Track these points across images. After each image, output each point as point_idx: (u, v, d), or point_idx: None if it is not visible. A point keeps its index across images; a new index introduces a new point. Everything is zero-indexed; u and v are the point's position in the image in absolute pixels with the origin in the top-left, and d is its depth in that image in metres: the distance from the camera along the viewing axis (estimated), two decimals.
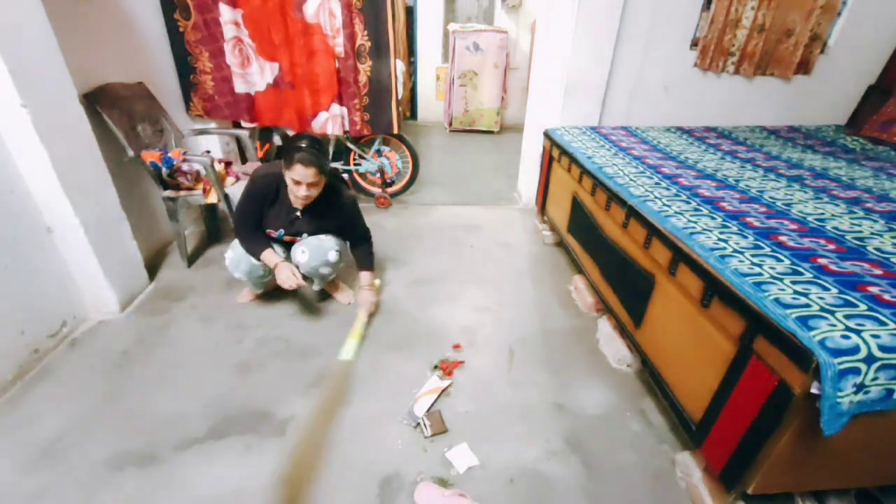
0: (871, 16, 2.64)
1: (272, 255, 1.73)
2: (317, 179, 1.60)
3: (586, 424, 1.48)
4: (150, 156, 1.98)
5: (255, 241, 1.75)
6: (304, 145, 1.54)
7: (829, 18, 2.60)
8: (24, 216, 1.57)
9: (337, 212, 1.82)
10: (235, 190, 2.13)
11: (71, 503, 1.19)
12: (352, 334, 1.76)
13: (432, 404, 1.51)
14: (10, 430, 1.38)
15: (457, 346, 1.78)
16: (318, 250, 1.79)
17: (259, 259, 1.74)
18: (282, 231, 1.80)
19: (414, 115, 5.76)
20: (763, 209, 1.52)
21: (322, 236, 1.83)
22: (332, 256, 1.81)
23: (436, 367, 1.69)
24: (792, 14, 2.54)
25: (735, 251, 1.22)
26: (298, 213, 1.76)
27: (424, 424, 1.44)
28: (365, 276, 1.94)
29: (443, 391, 1.57)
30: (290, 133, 2.90)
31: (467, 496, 1.21)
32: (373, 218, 2.59)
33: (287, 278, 1.69)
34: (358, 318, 1.85)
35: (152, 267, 2.21)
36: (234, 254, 1.79)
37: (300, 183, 1.58)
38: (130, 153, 1.96)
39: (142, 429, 1.40)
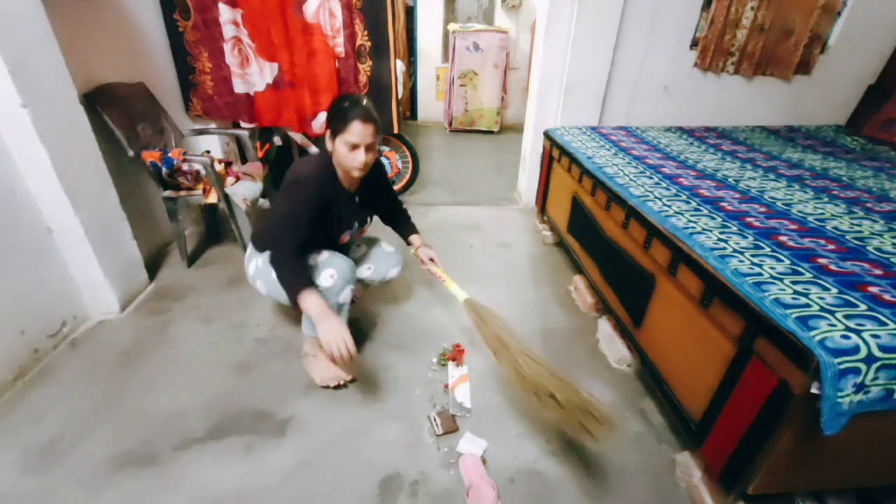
0: (871, 16, 2.64)
1: (317, 300, 1.28)
2: (374, 140, 1.36)
3: None
4: (150, 156, 1.98)
5: (297, 271, 1.32)
6: (355, 101, 1.32)
7: (829, 18, 2.60)
8: (24, 216, 1.57)
9: (380, 183, 1.64)
10: (235, 190, 2.13)
11: (71, 503, 1.19)
12: (447, 283, 1.61)
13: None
14: (10, 430, 1.38)
15: (457, 346, 1.77)
16: (385, 264, 1.71)
17: (296, 300, 1.27)
18: (355, 228, 1.56)
19: (414, 115, 5.76)
20: (763, 209, 1.52)
21: (386, 247, 1.75)
22: (395, 273, 1.74)
23: (443, 362, 1.70)
24: (792, 14, 2.55)
25: (735, 251, 1.22)
26: (357, 199, 1.52)
27: (435, 423, 1.44)
28: (416, 238, 1.74)
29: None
30: (290, 133, 2.91)
31: (495, 489, 1.22)
32: None
33: (338, 344, 1.22)
34: (436, 271, 1.66)
35: (152, 267, 2.21)
36: (339, 268, 1.41)
37: (358, 146, 1.32)
38: (130, 153, 1.96)
39: (142, 429, 1.40)
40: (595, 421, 1.18)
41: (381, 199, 1.70)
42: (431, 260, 1.69)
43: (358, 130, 1.30)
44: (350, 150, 1.33)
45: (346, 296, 1.45)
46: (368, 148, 1.35)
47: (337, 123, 1.32)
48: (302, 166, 1.43)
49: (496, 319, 1.48)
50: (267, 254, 1.45)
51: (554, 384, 1.24)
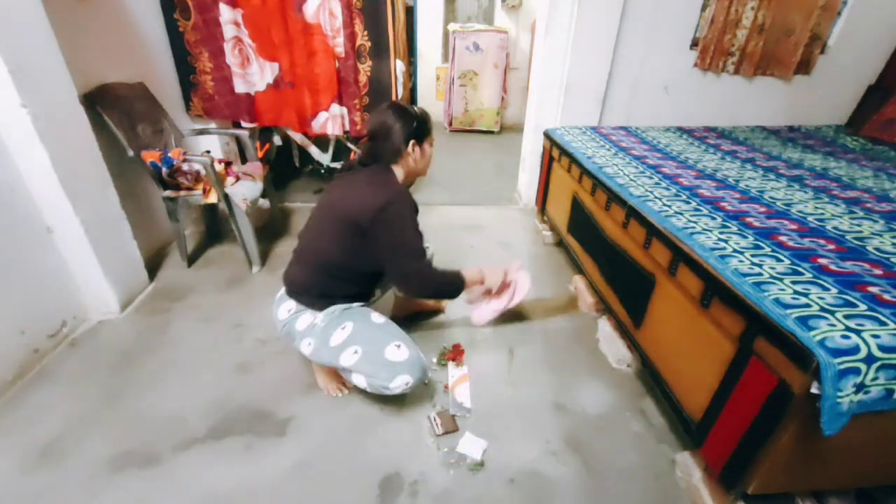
0: (871, 16, 2.64)
1: (471, 274, 1.41)
2: None
3: (586, 424, 1.48)
4: (150, 156, 1.98)
5: (444, 277, 1.37)
6: (415, 107, 1.37)
7: (829, 18, 2.60)
8: (24, 216, 1.57)
9: None
10: (235, 190, 2.13)
11: (71, 503, 1.19)
12: None
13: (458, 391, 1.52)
14: (10, 430, 1.38)
15: (457, 346, 1.77)
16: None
17: (463, 286, 1.37)
18: None
19: None
20: (763, 209, 1.52)
21: None
22: None
23: (443, 362, 1.70)
24: (792, 14, 2.55)
25: (735, 251, 1.22)
26: None
27: (435, 423, 1.44)
28: None
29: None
30: (290, 133, 2.91)
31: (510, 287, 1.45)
32: None
33: (525, 283, 1.47)
34: None
35: (152, 267, 2.21)
36: (415, 375, 1.30)
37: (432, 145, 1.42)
38: (130, 153, 1.96)
39: (142, 429, 1.40)
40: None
41: None
42: None
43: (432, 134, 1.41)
44: (431, 152, 1.41)
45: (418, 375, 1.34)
46: None
47: (422, 129, 1.36)
48: (382, 190, 1.30)
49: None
50: (323, 317, 1.37)
51: None
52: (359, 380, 1.36)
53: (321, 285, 1.39)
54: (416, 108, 1.37)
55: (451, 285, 1.38)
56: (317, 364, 1.53)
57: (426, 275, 1.34)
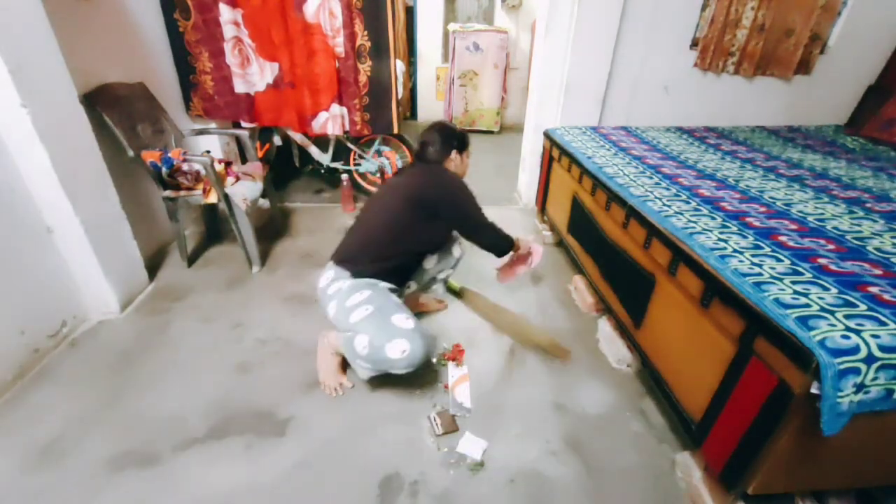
0: (871, 16, 2.64)
1: (516, 240, 1.73)
2: None
3: (586, 424, 1.48)
4: (150, 156, 1.98)
5: (502, 235, 1.69)
6: (449, 125, 1.72)
7: (829, 18, 2.60)
8: (24, 216, 1.57)
9: None
10: (235, 190, 2.13)
11: (71, 503, 1.19)
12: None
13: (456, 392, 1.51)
14: (10, 430, 1.38)
15: (457, 346, 1.77)
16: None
17: (512, 247, 1.71)
18: None
19: (414, 115, 5.76)
20: (763, 209, 1.52)
21: None
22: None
23: (443, 362, 1.70)
24: (792, 14, 2.55)
25: (735, 251, 1.22)
26: None
27: (435, 423, 1.44)
28: None
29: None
30: (290, 133, 2.91)
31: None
32: None
33: (538, 251, 1.77)
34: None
35: (152, 267, 2.21)
36: (413, 347, 1.34)
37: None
38: (130, 153, 1.96)
39: (142, 429, 1.40)
40: (553, 349, 1.77)
41: None
42: None
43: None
44: (469, 161, 1.78)
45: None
46: None
47: (465, 142, 1.73)
48: (444, 176, 1.60)
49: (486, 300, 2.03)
50: (351, 282, 1.49)
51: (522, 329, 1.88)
52: (360, 343, 1.37)
53: (365, 258, 1.54)
54: (452, 125, 1.74)
55: (507, 240, 1.70)
56: (327, 351, 1.59)
57: (492, 228, 1.66)
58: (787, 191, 1.70)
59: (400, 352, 1.33)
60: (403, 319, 1.38)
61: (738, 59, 2.66)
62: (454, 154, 1.67)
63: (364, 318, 1.39)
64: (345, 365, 1.63)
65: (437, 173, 1.60)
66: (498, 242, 1.68)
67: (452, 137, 1.66)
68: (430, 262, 1.77)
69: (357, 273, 1.51)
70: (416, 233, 1.55)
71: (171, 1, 2.34)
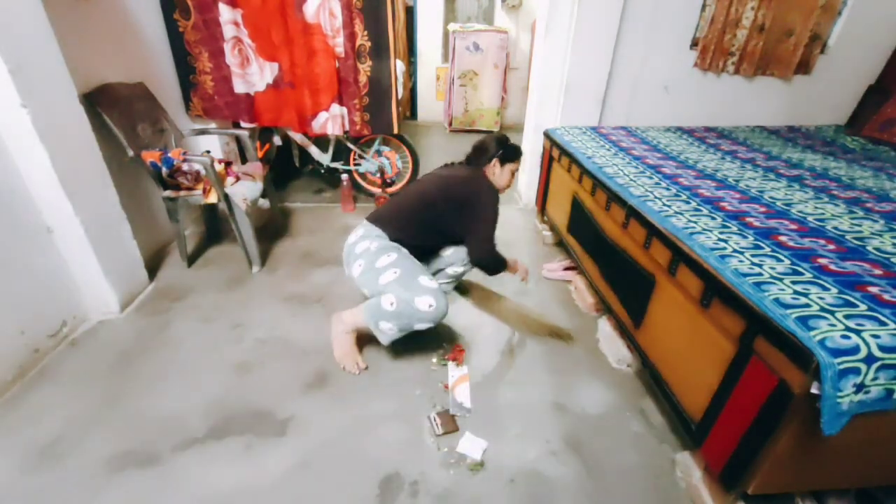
0: (871, 16, 2.64)
1: (512, 262, 1.80)
2: None
3: (586, 424, 1.48)
4: (150, 156, 1.98)
5: (502, 257, 1.73)
6: (511, 141, 1.82)
7: (829, 18, 2.60)
8: (24, 216, 1.57)
9: None
10: (235, 190, 2.13)
11: (71, 503, 1.19)
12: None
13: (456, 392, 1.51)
14: (10, 430, 1.38)
15: (457, 346, 1.77)
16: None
17: (505, 268, 1.75)
18: None
19: (414, 115, 5.76)
20: (763, 209, 1.52)
21: None
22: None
23: (443, 362, 1.70)
24: (792, 14, 2.55)
25: (735, 251, 1.22)
26: None
27: (435, 423, 1.44)
28: None
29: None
30: (290, 133, 2.91)
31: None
32: None
33: (525, 268, 1.86)
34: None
35: (152, 267, 2.21)
36: (439, 302, 1.51)
37: (515, 173, 1.84)
38: (130, 153, 1.96)
39: (142, 429, 1.40)
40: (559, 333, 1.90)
41: None
42: None
43: (520, 162, 1.84)
44: (512, 175, 1.82)
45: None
46: None
47: (511, 155, 1.79)
48: (480, 180, 1.72)
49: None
50: (379, 244, 1.62)
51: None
52: (388, 301, 1.50)
53: (395, 224, 1.67)
54: (507, 139, 1.82)
55: (501, 264, 1.72)
56: (341, 330, 1.66)
57: (492, 248, 1.67)
58: (787, 191, 1.70)
59: (427, 305, 1.49)
60: (427, 280, 1.54)
61: (738, 59, 2.66)
62: (495, 163, 1.77)
63: (392, 281, 1.52)
64: (360, 344, 1.71)
65: (474, 175, 1.73)
66: (491, 262, 1.70)
67: (498, 148, 1.77)
68: (447, 251, 1.84)
69: (391, 235, 1.65)
70: (441, 220, 1.67)
71: (171, 1, 2.34)
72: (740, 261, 1.17)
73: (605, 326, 1.88)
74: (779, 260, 1.19)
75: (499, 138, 1.81)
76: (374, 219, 1.69)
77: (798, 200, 1.60)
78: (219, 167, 2.13)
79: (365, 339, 1.74)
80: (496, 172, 1.77)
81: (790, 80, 2.79)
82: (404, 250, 1.63)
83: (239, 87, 2.59)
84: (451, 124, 5.26)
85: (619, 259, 1.71)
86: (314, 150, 3.05)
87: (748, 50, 2.63)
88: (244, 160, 2.92)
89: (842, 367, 0.84)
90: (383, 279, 1.53)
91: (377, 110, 2.69)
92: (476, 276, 2.27)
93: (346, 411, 1.49)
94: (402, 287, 1.50)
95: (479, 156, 1.80)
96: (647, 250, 1.48)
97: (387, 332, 1.56)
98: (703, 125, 2.75)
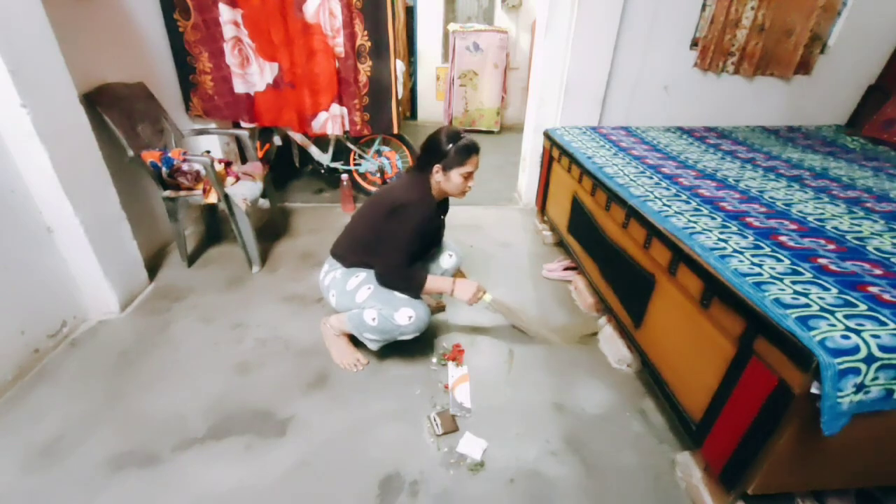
0: (871, 16, 2.64)
1: (436, 281, 1.55)
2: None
3: (586, 424, 1.48)
4: (150, 156, 1.98)
5: (410, 277, 1.52)
6: (459, 133, 1.46)
7: (829, 18, 2.60)
8: (24, 216, 1.57)
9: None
10: (235, 190, 2.13)
11: (71, 503, 1.19)
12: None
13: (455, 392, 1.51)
14: (10, 430, 1.38)
15: (457, 346, 1.77)
16: (456, 248, 1.88)
17: (424, 291, 1.53)
18: (441, 237, 1.83)
19: (414, 115, 5.76)
20: (763, 209, 1.52)
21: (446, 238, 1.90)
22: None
23: (443, 362, 1.70)
24: (792, 14, 2.55)
25: (735, 251, 1.22)
26: (440, 213, 1.72)
27: (435, 423, 1.44)
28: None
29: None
30: (290, 133, 2.91)
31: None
32: None
33: (476, 291, 1.57)
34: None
35: (152, 267, 2.21)
36: (418, 312, 1.49)
37: (471, 174, 1.51)
38: (130, 153, 1.96)
39: (142, 429, 1.40)
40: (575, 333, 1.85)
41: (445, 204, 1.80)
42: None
43: (475, 161, 1.49)
44: (464, 180, 1.51)
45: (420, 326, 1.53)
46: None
47: (457, 155, 1.46)
48: (402, 192, 1.52)
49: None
50: (343, 270, 1.61)
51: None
52: (370, 316, 1.50)
53: (352, 254, 1.62)
54: (457, 138, 1.47)
55: (410, 291, 1.53)
56: (332, 335, 1.68)
57: (392, 273, 1.52)
58: (787, 191, 1.70)
59: (407, 318, 1.48)
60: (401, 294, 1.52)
61: (737, 59, 2.66)
62: (437, 169, 1.49)
63: (369, 296, 1.52)
64: (355, 342, 1.71)
65: (409, 183, 1.54)
66: (392, 282, 1.52)
67: (432, 152, 1.49)
68: (444, 260, 1.82)
69: (348, 265, 1.63)
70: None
71: (171, 1, 2.34)
72: (740, 261, 1.17)
73: (605, 326, 1.88)
74: (779, 260, 1.19)
75: (449, 135, 1.47)
76: (332, 251, 1.68)
77: (798, 200, 1.60)
78: (219, 167, 2.13)
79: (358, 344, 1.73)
80: (439, 180, 1.51)
81: (790, 80, 2.79)
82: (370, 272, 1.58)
83: (239, 87, 2.59)
84: (450, 124, 5.26)
85: (619, 259, 1.71)
86: (314, 150, 3.05)
87: (748, 50, 2.63)
88: (244, 160, 2.92)
89: (842, 367, 0.84)
90: (360, 297, 1.54)
91: (377, 110, 2.69)
92: (476, 276, 2.27)
93: (347, 411, 1.49)
94: (380, 302, 1.50)
95: (425, 158, 1.52)
96: (647, 250, 1.48)
97: (372, 342, 1.58)
98: (703, 125, 2.75)
